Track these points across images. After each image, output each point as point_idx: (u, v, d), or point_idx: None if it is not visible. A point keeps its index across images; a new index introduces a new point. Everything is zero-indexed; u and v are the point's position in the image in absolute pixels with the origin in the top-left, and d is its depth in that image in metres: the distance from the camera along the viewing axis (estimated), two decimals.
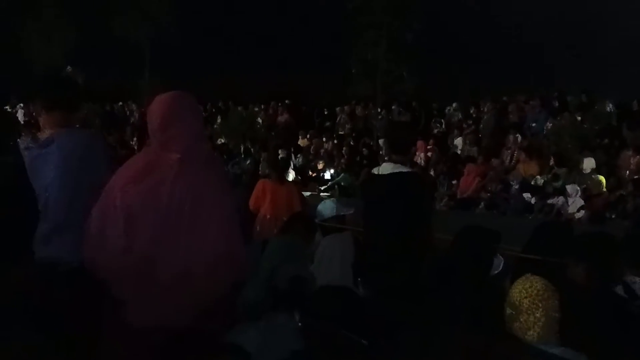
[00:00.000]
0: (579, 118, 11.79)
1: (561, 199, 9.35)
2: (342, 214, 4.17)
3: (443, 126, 13.73)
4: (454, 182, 10.99)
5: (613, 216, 8.89)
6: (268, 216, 4.74)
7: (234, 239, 2.37)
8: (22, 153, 2.47)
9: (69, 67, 4.24)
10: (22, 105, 15.89)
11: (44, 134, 2.59)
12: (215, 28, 20.16)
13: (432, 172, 11.05)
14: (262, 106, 16.82)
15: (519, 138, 11.82)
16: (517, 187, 10.02)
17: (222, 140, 15.21)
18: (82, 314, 1.98)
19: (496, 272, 2.88)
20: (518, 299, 2.13)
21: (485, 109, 13.16)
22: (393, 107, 14.81)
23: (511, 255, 3.24)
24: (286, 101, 16.52)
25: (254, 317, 2.31)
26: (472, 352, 2.02)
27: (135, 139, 13.58)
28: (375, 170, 3.43)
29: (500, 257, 2.93)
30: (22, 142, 2.62)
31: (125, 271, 2.27)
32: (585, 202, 9.20)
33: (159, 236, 2.29)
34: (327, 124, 15.72)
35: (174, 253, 2.27)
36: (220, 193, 2.39)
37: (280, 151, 11.47)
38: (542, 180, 10.09)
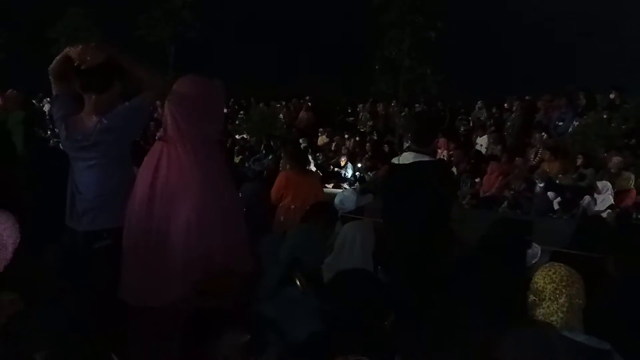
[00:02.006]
0: (606, 117, 11.55)
1: (587, 198, 9.17)
2: (362, 204, 4.17)
3: (470, 124, 13.59)
4: (477, 180, 10.87)
5: None
6: (292, 207, 4.73)
7: (211, 222, 2.43)
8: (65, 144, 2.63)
9: None
10: (48, 99, 16.26)
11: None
12: (238, 25, 20.29)
13: (454, 170, 10.94)
14: (284, 103, 16.87)
15: (545, 137, 11.64)
16: (541, 186, 9.86)
17: (244, 136, 15.29)
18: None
19: (534, 261, 2.84)
20: (541, 285, 2.10)
21: (513, 108, 12.99)
22: (416, 105, 14.71)
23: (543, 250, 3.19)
24: (307, 97, 16.53)
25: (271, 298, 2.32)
26: (493, 337, 1.98)
27: (158, 134, 13.74)
28: (395, 160, 3.40)
29: (537, 246, 2.89)
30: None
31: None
32: (614, 200, 9.02)
33: (146, 217, 2.39)
34: (349, 120, 15.68)
35: (158, 233, 2.37)
36: (199, 177, 2.46)
37: (301, 141, 11.46)
38: (568, 180, 9.91)
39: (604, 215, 8.90)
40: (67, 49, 2.60)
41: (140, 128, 2.82)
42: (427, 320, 2.35)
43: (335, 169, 12.83)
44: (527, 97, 13.56)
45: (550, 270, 2.12)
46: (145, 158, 2.61)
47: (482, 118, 13.67)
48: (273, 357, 1.73)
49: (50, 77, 2.70)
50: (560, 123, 12.14)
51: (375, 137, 13.76)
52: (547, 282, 2.09)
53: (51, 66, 2.67)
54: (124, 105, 2.63)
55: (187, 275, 2.39)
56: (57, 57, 2.65)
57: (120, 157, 2.65)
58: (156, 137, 2.71)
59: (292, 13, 20.48)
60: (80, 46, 2.56)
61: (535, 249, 2.95)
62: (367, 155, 12.62)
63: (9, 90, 7.16)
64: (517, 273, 2.74)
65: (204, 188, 2.47)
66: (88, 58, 2.51)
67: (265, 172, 11.60)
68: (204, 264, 2.43)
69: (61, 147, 2.78)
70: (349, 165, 12.64)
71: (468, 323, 2.26)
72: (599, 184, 9.30)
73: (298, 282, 2.29)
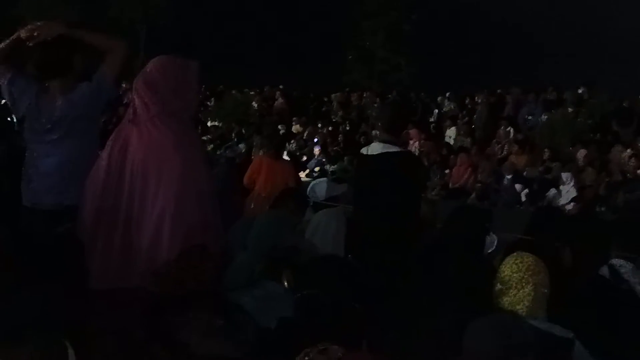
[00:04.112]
0: (572, 112, 11.83)
1: (553, 190, 9.40)
2: (334, 194, 4.17)
3: (434, 116, 13.72)
4: (447, 171, 11.00)
5: (603, 209, 8.94)
6: (263, 195, 4.69)
7: (188, 202, 2.40)
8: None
9: None
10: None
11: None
12: (211, 11, 19.99)
13: (425, 161, 11.04)
14: (257, 90, 16.73)
15: (512, 131, 11.85)
16: (509, 178, 10.05)
17: (215, 123, 15.12)
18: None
19: (490, 250, 2.89)
20: (508, 274, 2.13)
21: (480, 101, 13.16)
22: (389, 96, 14.78)
23: (503, 240, 3.25)
24: (280, 86, 16.43)
25: (244, 286, 2.29)
26: (459, 324, 2.00)
27: (126, 116, 13.45)
28: (364, 150, 3.41)
29: (494, 235, 2.94)
30: None
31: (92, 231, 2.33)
32: (577, 193, 9.26)
33: (115, 198, 2.35)
34: (323, 110, 15.66)
35: (127, 216, 2.33)
36: (175, 156, 2.42)
37: (279, 127, 11.37)
38: (535, 173, 10.13)
39: (569, 207, 9.15)
40: (17, 33, 2.52)
41: (104, 101, 2.74)
42: (393, 307, 2.37)
43: (305, 158, 12.80)
44: (498, 91, 13.76)
45: (517, 259, 2.14)
46: (110, 140, 2.53)
47: (445, 110, 13.81)
48: (245, 341, 1.71)
49: None
50: (530, 117, 12.37)
51: (348, 128, 13.77)
52: (513, 270, 2.12)
53: None
54: (87, 83, 2.56)
55: (164, 256, 2.34)
56: (1, 45, 2.56)
57: (86, 135, 2.58)
58: (125, 116, 2.62)
59: (268, 2, 20.30)
60: (30, 26, 2.48)
61: (492, 238, 3.00)
62: (337, 147, 12.60)
63: None
64: (478, 260, 2.78)
65: (182, 170, 2.43)
66: (37, 34, 2.44)
67: (237, 158, 11.51)
68: (181, 243, 2.39)
69: (26, 130, 2.69)
70: (322, 155, 12.62)
71: (432, 310, 2.28)
72: (564, 175, 9.55)
73: (285, 282, 2.25)
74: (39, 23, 2.52)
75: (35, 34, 2.47)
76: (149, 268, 2.26)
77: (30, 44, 2.49)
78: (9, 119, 3.09)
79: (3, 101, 2.69)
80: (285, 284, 2.15)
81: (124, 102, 16.31)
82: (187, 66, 2.58)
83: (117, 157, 2.42)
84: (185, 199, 2.41)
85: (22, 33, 2.50)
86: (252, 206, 4.61)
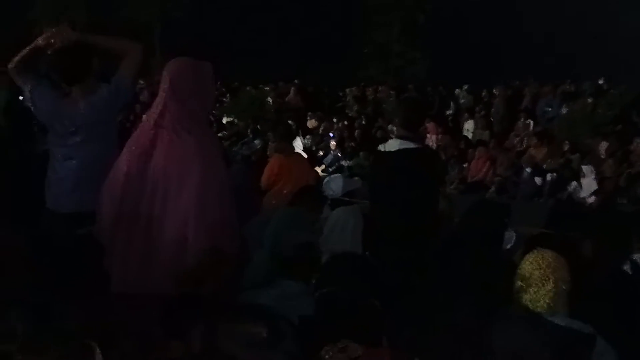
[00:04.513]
0: (591, 103, 11.65)
1: (574, 183, 9.29)
2: (350, 189, 4.17)
3: (451, 109, 13.61)
4: (465, 165, 10.93)
5: (625, 201, 8.81)
6: (285, 191, 4.66)
7: (210, 203, 2.42)
8: None
9: None
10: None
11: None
12: (226, 7, 20.03)
13: (442, 155, 10.98)
14: (272, 86, 16.74)
15: (531, 123, 11.72)
16: (528, 171, 9.94)
17: (230, 119, 15.17)
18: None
19: (509, 246, 2.87)
20: (529, 270, 2.11)
21: (498, 93, 13.03)
22: (406, 92, 14.67)
23: (523, 234, 3.23)
24: (295, 81, 16.42)
25: (261, 284, 2.31)
26: (477, 319, 2.00)
27: (144, 116, 13.59)
28: (381, 147, 3.39)
29: (513, 231, 2.91)
30: None
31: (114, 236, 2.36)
32: (598, 185, 9.14)
33: (136, 202, 2.36)
34: (338, 105, 15.63)
35: (149, 218, 2.34)
36: (198, 160, 2.44)
37: (290, 122, 11.34)
38: (554, 165, 10.01)
39: (590, 200, 9.03)
40: (35, 42, 2.57)
41: (123, 103, 2.79)
42: (411, 304, 2.37)
43: (321, 153, 12.79)
44: (516, 83, 13.61)
45: (537, 256, 2.13)
46: (132, 143, 2.54)
47: (462, 102, 13.68)
48: (288, 351, 1.70)
49: (12, 74, 2.65)
50: (549, 109, 12.22)
51: (364, 122, 13.72)
52: (534, 267, 2.10)
53: (13, 64, 2.63)
54: (107, 87, 2.61)
55: (188, 257, 2.36)
56: (21, 54, 2.62)
57: (106, 138, 2.63)
58: (145, 121, 2.65)
59: None
60: (46, 34, 2.53)
61: (511, 234, 2.98)
62: (353, 142, 12.56)
63: None
64: (496, 256, 2.76)
65: (204, 172, 2.46)
66: (55, 41, 2.48)
67: (253, 155, 11.54)
68: (204, 244, 2.41)
69: (48, 135, 2.74)
70: (338, 149, 12.60)
71: (450, 306, 2.28)
72: (584, 168, 9.43)
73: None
74: (55, 30, 2.56)
75: (52, 41, 2.51)
76: (172, 270, 2.28)
77: (49, 51, 2.54)
78: (31, 123, 3.16)
79: (27, 105, 2.73)
80: (306, 284, 2.16)
81: (140, 99, 16.52)
82: (204, 68, 2.60)
83: (138, 160, 2.44)
84: (206, 201, 2.43)
85: (40, 41, 2.55)
86: (274, 203, 4.57)
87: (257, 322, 1.49)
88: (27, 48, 2.61)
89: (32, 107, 2.68)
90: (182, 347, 1.80)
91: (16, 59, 2.63)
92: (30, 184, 2.78)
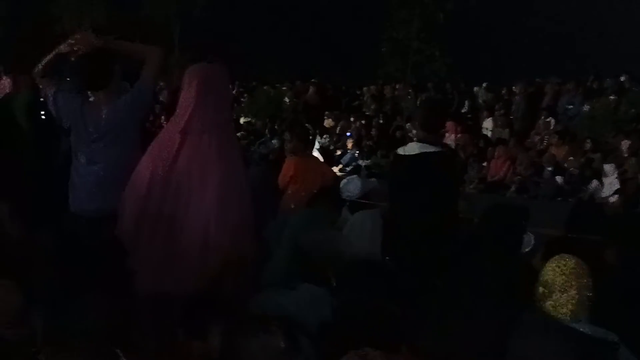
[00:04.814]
0: (614, 101, 11.44)
1: (595, 182, 9.14)
2: (367, 190, 4.15)
3: (465, 107, 13.47)
4: (484, 164, 10.81)
5: None
6: (303, 193, 4.65)
7: (232, 207, 2.44)
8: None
9: None
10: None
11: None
12: (243, 6, 20.08)
13: (461, 154, 10.88)
14: (290, 85, 16.74)
15: (552, 121, 11.55)
16: (549, 170, 9.81)
17: (248, 119, 15.22)
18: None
19: (527, 249, 2.83)
20: (552, 277, 2.09)
21: (518, 91, 12.85)
22: (427, 86, 14.53)
23: (543, 235, 3.18)
24: (312, 80, 16.40)
25: (280, 285, 2.31)
26: (497, 324, 1.98)
27: (163, 116, 13.71)
28: (401, 150, 3.37)
29: (531, 234, 2.88)
30: None
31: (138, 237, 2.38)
32: (620, 184, 8.98)
33: (160, 206, 2.38)
34: (355, 104, 15.56)
35: (172, 222, 2.37)
36: (220, 163, 2.45)
37: (307, 125, 11.32)
38: (576, 165, 9.86)
39: (612, 199, 8.88)
40: (58, 48, 2.61)
41: (146, 108, 2.83)
42: (431, 309, 2.35)
43: (339, 152, 12.76)
44: (537, 80, 13.41)
45: (560, 262, 2.10)
46: (156, 147, 2.56)
47: (485, 100, 13.53)
48: None
49: (37, 79, 2.70)
50: (570, 107, 12.02)
51: (382, 121, 13.65)
52: (556, 274, 2.07)
53: (38, 70, 2.67)
54: (129, 93, 2.65)
55: (206, 264, 2.39)
56: (45, 60, 2.66)
57: (129, 142, 2.66)
58: (170, 126, 2.66)
59: None
60: (69, 40, 2.57)
61: (529, 237, 2.94)
62: (370, 140, 12.50)
63: (22, 75, 7.11)
64: (514, 259, 2.73)
65: (226, 175, 2.49)
66: (78, 47, 2.52)
67: (270, 155, 11.57)
68: (226, 246, 2.44)
69: (71, 139, 2.78)
70: (355, 148, 12.57)
71: (470, 310, 2.25)
72: (606, 167, 9.27)
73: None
74: (78, 36, 2.60)
75: (75, 47, 2.55)
76: (194, 271, 2.31)
77: (72, 58, 2.58)
78: (54, 125, 3.21)
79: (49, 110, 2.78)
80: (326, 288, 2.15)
81: (160, 99, 16.66)
82: (225, 72, 2.63)
83: (163, 165, 2.47)
84: (228, 203, 2.47)
85: (63, 47, 2.60)
86: (293, 206, 4.57)
87: (275, 332, 1.49)
88: (51, 54, 2.65)
89: (54, 112, 2.73)
90: (203, 347, 1.82)
91: (40, 64, 2.68)
92: (53, 186, 2.83)
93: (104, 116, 2.63)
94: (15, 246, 2.17)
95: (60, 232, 2.58)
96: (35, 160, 3.42)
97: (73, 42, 2.58)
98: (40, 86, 2.79)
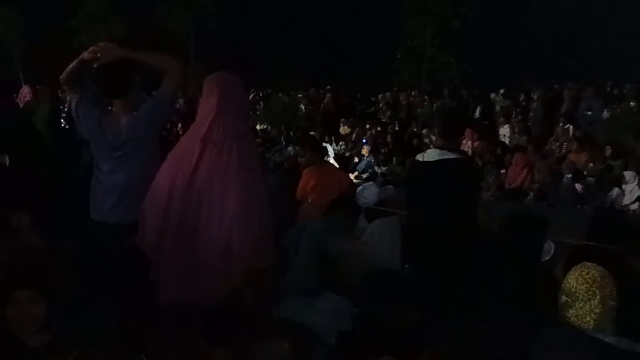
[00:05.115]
0: (634, 106, 11.27)
1: (616, 190, 8.99)
2: (384, 196, 4.14)
3: (477, 113, 13.38)
4: (502, 171, 10.71)
5: None
6: (322, 201, 4.63)
7: (253, 218, 2.44)
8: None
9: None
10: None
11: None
12: (258, 14, 20.23)
13: (479, 161, 10.79)
14: (305, 93, 16.80)
15: (570, 128, 11.41)
16: (568, 177, 9.67)
17: (264, 126, 15.29)
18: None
19: (547, 257, 2.79)
20: (574, 286, 2.05)
21: (536, 97, 12.73)
22: (443, 93, 14.47)
23: (563, 243, 3.14)
24: (327, 87, 16.43)
25: (299, 294, 2.31)
26: (517, 333, 1.95)
27: (180, 125, 13.84)
28: (419, 157, 3.35)
29: (551, 242, 2.84)
30: None
31: (159, 249, 2.38)
32: None
33: (181, 215, 2.39)
34: (370, 110, 15.56)
35: (194, 232, 2.37)
36: (241, 172, 2.46)
37: (313, 133, 11.36)
38: (596, 171, 9.72)
39: (633, 207, 8.72)
40: (81, 55, 2.66)
41: (166, 119, 2.87)
42: (451, 317, 2.32)
43: (356, 160, 12.74)
44: (555, 86, 13.27)
45: (583, 271, 2.06)
46: (176, 156, 2.57)
47: (502, 107, 13.41)
48: None
49: (63, 86, 2.75)
50: (589, 113, 11.86)
51: (397, 128, 13.61)
52: (579, 282, 2.03)
53: (63, 77, 2.72)
54: (149, 101, 2.68)
55: (229, 274, 2.39)
56: (70, 67, 2.70)
57: (149, 152, 2.69)
58: (190, 135, 2.67)
59: (313, 1, 20.34)
60: (92, 48, 2.61)
61: (549, 245, 2.90)
62: (386, 147, 12.45)
63: (42, 85, 7.24)
64: (534, 268, 2.69)
65: (246, 185, 2.49)
66: (101, 56, 2.56)
67: (286, 162, 11.59)
68: (248, 257, 2.44)
69: (92, 149, 2.81)
70: (370, 155, 12.54)
71: (490, 319, 2.22)
72: (626, 174, 9.12)
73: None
74: (101, 45, 2.64)
75: (98, 55, 2.60)
76: (216, 281, 2.31)
77: (94, 66, 2.62)
78: (75, 135, 3.25)
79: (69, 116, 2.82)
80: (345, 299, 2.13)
81: (177, 107, 16.82)
82: (239, 81, 2.65)
83: (183, 174, 2.48)
84: (249, 214, 2.47)
85: (86, 55, 2.64)
86: (315, 215, 4.54)
87: (288, 340, 1.49)
88: (75, 61, 2.69)
89: (76, 121, 2.77)
90: (225, 356, 1.82)
91: (65, 71, 2.72)
92: (75, 195, 2.86)
93: (123, 125, 2.66)
94: (38, 256, 2.19)
95: (82, 241, 2.61)
96: (56, 169, 3.47)
97: (96, 49, 2.62)
98: (65, 94, 2.84)
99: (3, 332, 1.75)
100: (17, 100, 6.57)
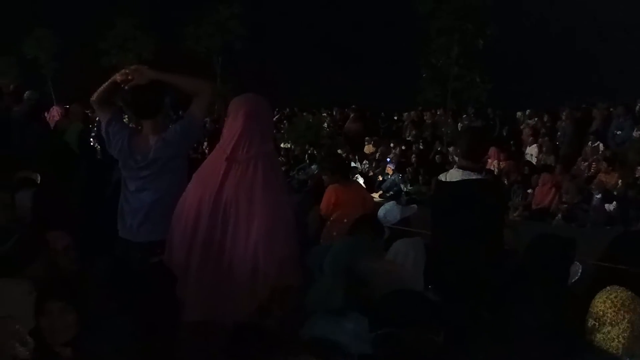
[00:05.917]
0: None
1: None
2: (406, 215, 4.12)
3: (501, 131, 13.24)
4: (529, 191, 10.54)
5: None
6: (345, 220, 4.63)
7: (279, 237, 2.44)
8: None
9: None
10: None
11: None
12: (283, 36, 20.51)
13: (505, 181, 10.65)
14: (329, 112, 16.89)
15: (601, 147, 11.20)
16: (598, 197, 9.46)
17: (288, 145, 15.40)
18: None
19: (574, 279, 2.74)
20: (602, 309, 2.01)
21: (564, 116, 12.56)
22: (464, 116, 14.40)
23: (591, 265, 3.07)
24: (352, 106, 16.50)
25: (326, 313, 2.30)
26: (545, 356, 1.91)
27: (206, 144, 14.03)
28: (442, 177, 3.34)
29: (579, 264, 2.78)
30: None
31: (185, 265, 2.41)
32: None
33: (208, 233, 2.41)
34: (394, 129, 15.55)
35: (220, 250, 2.38)
36: (266, 191, 2.47)
37: (339, 151, 11.37)
38: (626, 192, 9.49)
39: None
40: (113, 77, 2.73)
41: (194, 140, 2.92)
42: (477, 337, 2.29)
43: (380, 178, 12.71)
44: (583, 105, 13.08)
45: (611, 294, 2.02)
46: (202, 175, 2.62)
47: (528, 127, 13.25)
48: None
49: (94, 106, 2.83)
50: (619, 132, 11.63)
51: (422, 147, 13.56)
52: (607, 306, 1.99)
53: (95, 97, 2.80)
54: (178, 123, 2.73)
55: (255, 292, 2.41)
56: (101, 88, 2.78)
57: (177, 172, 2.73)
58: (216, 154, 2.71)
59: (337, 21, 20.55)
60: (124, 70, 2.69)
61: (577, 267, 2.84)
62: (410, 166, 12.40)
63: (73, 105, 7.46)
64: (562, 289, 2.64)
65: (272, 206, 2.51)
66: (132, 78, 2.63)
67: (309, 181, 11.63)
68: (274, 276, 2.45)
69: (121, 168, 2.88)
70: (395, 174, 12.50)
71: (518, 339, 2.19)
72: None
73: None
74: (133, 67, 2.72)
75: (129, 77, 2.67)
76: (242, 300, 2.32)
77: (125, 87, 2.69)
78: (105, 153, 3.34)
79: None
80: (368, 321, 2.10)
81: (205, 126, 17.07)
82: (265, 103, 2.69)
83: (210, 193, 2.51)
84: (275, 233, 2.48)
85: (118, 77, 2.71)
86: (335, 234, 4.54)
87: (317, 358, 1.49)
88: (107, 82, 2.77)
89: (106, 141, 2.84)
90: None
91: (97, 92, 2.80)
92: (104, 213, 2.92)
93: (152, 146, 2.71)
94: (68, 273, 2.24)
95: (111, 259, 2.65)
96: (86, 187, 3.55)
97: (128, 71, 2.69)
98: (98, 114, 2.91)
99: (38, 343, 1.79)
100: (48, 120, 6.77)
